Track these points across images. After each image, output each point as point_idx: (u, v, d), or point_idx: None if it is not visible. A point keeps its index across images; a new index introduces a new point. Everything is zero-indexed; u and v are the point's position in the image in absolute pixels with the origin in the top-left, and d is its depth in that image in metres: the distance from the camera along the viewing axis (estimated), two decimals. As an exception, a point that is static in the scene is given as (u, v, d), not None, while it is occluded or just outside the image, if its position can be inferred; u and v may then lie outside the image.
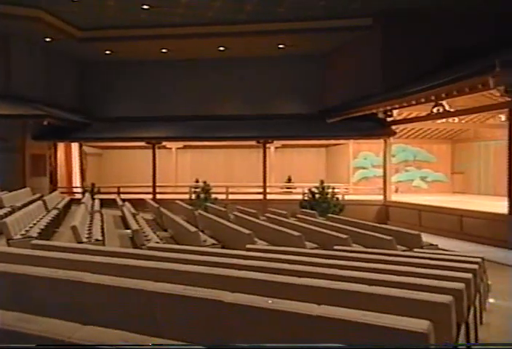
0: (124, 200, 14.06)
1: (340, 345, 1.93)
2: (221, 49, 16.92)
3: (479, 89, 10.02)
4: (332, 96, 18.89)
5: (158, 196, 16.21)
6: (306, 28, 15.08)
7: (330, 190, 14.29)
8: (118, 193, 16.73)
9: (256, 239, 7.70)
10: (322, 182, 14.55)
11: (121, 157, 19.72)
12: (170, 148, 18.81)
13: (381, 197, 15.18)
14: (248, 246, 6.00)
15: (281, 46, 16.57)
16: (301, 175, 18.20)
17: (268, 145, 16.74)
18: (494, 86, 9.41)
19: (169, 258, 4.35)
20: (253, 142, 16.62)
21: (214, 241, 7.82)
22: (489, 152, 15.93)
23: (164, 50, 17.18)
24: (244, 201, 15.35)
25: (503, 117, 12.55)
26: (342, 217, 11.19)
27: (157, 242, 6.92)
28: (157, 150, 16.76)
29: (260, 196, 16.13)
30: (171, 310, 2.53)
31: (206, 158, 19.25)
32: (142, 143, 16.84)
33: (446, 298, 2.73)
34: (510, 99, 9.94)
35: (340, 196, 14.69)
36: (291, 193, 17.65)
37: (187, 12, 14.06)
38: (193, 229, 7.59)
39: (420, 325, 2.02)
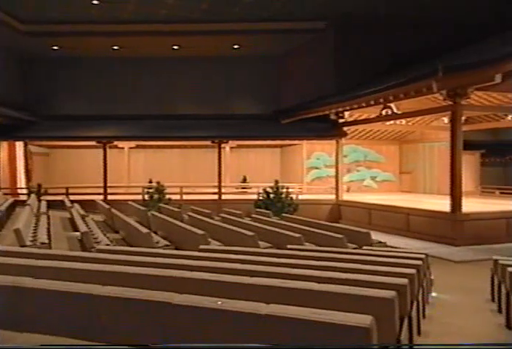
0: (72, 201, 13.57)
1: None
2: (175, 47, 16.72)
3: (424, 93, 10.49)
4: (286, 97, 19.15)
5: (110, 197, 15.76)
6: (261, 29, 15.21)
7: (284, 190, 14.46)
8: (67, 194, 16.12)
9: (210, 240, 7.67)
10: (277, 182, 14.70)
11: (69, 157, 19.00)
12: (122, 148, 18.34)
13: (333, 196, 15.56)
14: (201, 246, 5.96)
15: (236, 46, 16.61)
16: (256, 175, 18.32)
17: (223, 145, 16.71)
18: (438, 90, 9.91)
19: (119, 260, 4.25)
20: (208, 142, 16.54)
21: (167, 242, 7.71)
22: (434, 153, 16.73)
23: (115, 47, 16.74)
24: (198, 201, 15.24)
25: (446, 119, 13.22)
26: (295, 217, 11.36)
27: (107, 244, 6.74)
28: (108, 150, 16.29)
29: (215, 196, 16.08)
30: (118, 314, 2.47)
31: (160, 158, 18.93)
32: (93, 142, 16.31)
33: (389, 293, 2.84)
34: (452, 102, 10.51)
35: (294, 196, 14.90)
36: (246, 193, 17.71)
37: (139, 9, 13.79)
38: (145, 230, 7.45)
39: (363, 320, 2.09)
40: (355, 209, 14.42)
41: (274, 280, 3.12)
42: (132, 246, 7.42)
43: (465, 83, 9.77)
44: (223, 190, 16.46)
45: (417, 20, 14.82)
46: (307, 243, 7.67)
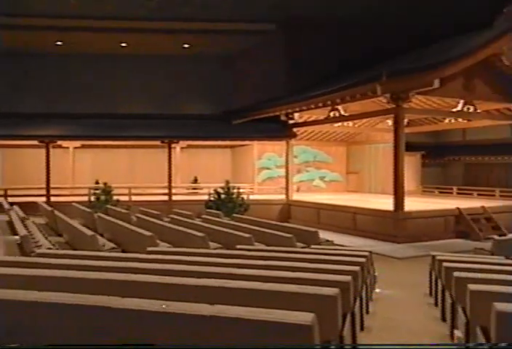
0: (11, 203, 12.85)
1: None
2: (123, 45, 16.30)
3: (369, 96, 10.91)
4: (238, 97, 19.22)
5: (53, 199, 15.08)
6: (211, 29, 15.18)
7: (235, 191, 14.49)
8: (6, 195, 15.24)
9: (158, 241, 7.53)
10: (228, 182, 14.69)
11: (9, 156, 17.98)
12: (67, 147, 17.60)
13: (284, 196, 15.78)
14: (149, 248, 5.85)
15: (186, 45, 16.45)
16: (207, 176, 18.20)
17: (173, 146, 16.47)
18: (382, 93, 10.33)
19: (60, 265, 4.08)
20: (158, 142, 16.24)
21: (113, 245, 7.49)
22: (379, 154, 17.40)
23: (58, 43, 16.06)
24: (148, 202, 14.94)
25: (390, 122, 13.78)
26: (246, 217, 11.41)
27: (49, 248, 6.44)
28: (52, 150, 15.59)
29: (165, 197, 15.82)
30: (56, 320, 2.38)
31: (108, 158, 18.34)
32: (35, 142, 15.54)
33: (332, 291, 2.92)
34: (395, 105, 10.98)
35: (245, 196, 14.95)
36: (197, 193, 17.56)
37: (83, 4, 13.31)
38: (90, 233, 7.20)
39: (305, 318, 2.14)
40: (304, 209, 14.70)
41: (220, 280, 3.12)
42: (76, 250, 7.14)
43: (406, 88, 10.25)
44: (173, 191, 16.23)
45: (366, 25, 15.38)
46: (257, 243, 7.73)
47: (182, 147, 18.01)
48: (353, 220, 12.45)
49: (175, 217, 11.15)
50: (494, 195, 14.61)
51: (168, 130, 15.78)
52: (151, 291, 3.02)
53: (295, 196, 15.82)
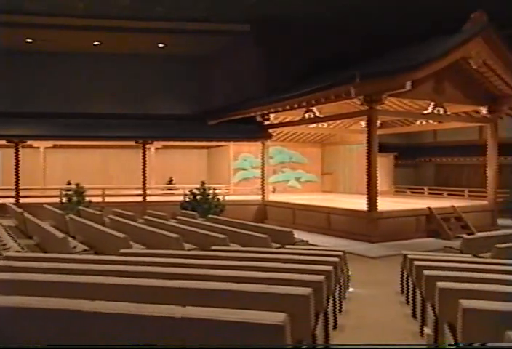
0: (-21, 205, 12.44)
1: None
2: (96, 43, 16.01)
3: (343, 98, 11.05)
4: (214, 98, 19.16)
5: (23, 200, 14.67)
6: (186, 29, 15.08)
7: (211, 191, 14.43)
8: (-28, 197, 14.73)
9: (132, 243, 7.44)
10: (203, 183, 14.62)
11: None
12: (37, 148, 17.15)
13: (260, 197, 15.81)
14: (122, 250, 5.76)
15: (161, 45, 16.30)
16: (183, 176, 18.06)
17: (147, 146, 16.27)
18: (355, 95, 10.49)
19: (29, 268, 3.98)
20: (132, 143, 16.01)
21: (85, 247, 7.35)
22: (353, 155, 17.65)
23: (28, 40, 15.65)
24: (122, 203, 14.70)
25: (364, 123, 14.00)
26: (222, 218, 11.39)
27: (17, 251, 6.26)
28: (21, 150, 15.16)
29: (140, 198, 15.62)
30: (23, 326, 2.32)
31: (81, 158, 17.97)
32: (3, 142, 15.08)
33: (305, 290, 2.95)
34: (368, 107, 11.16)
35: (220, 197, 14.91)
36: (172, 194, 17.40)
37: (54, 1, 13.01)
38: (61, 235, 7.04)
39: (277, 318, 2.15)
40: (280, 209, 14.77)
41: (193, 282, 3.11)
42: (46, 253, 6.97)
43: (379, 90, 10.43)
44: (148, 192, 16.03)
45: (342, 26, 15.57)
46: (232, 244, 7.71)
47: (157, 148, 17.82)
48: (327, 220, 12.58)
49: (150, 218, 11.02)
50: (463, 195, 15.03)
51: (142, 130, 15.59)
52: (123, 293, 2.98)
53: (271, 197, 15.87)
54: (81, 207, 12.94)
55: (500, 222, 13.38)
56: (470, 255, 6.50)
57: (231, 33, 15.65)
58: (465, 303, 2.74)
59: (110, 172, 17.89)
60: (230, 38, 16.27)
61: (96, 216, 10.99)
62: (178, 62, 17.85)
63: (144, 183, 15.65)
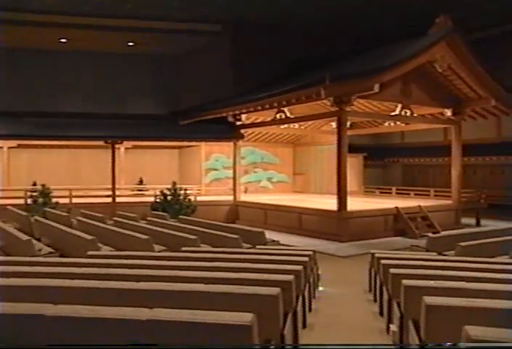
0: None
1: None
2: (62, 40, 15.59)
3: (314, 99, 11.17)
4: (185, 98, 19.01)
5: (-15, 202, 14.13)
6: (156, 28, 14.90)
7: (182, 192, 14.30)
8: None
9: (101, 245, 7.28)
10: (174, 183, 14.47)
11: None
12: (1, 147, 16.57)
13: (231, 197, 15.79)
14: (89, 252, 5.64)
15: (131, 43, 16.03)
16: (153, 177, 17.83)
17: (117, 146, 15.97)
18: (325, 96, 10.62)
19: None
20: (101, 143, 15.69)
21: (51, 250, 7.15)
22: (324, 155, 17.87)
23: (-8, 36, 15.10)
24: (90, 204, 14.37)
25: (334, 124, 14.19)
26: (193, 218, 11.30)
27: (-21, 255, 6.04)
28: (-16, 149, 14.62)
29: (109, 199, 15.32)
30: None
31: (47, 159, 17.47)
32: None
33: (273, 290, 2.97)
34: (338, 108, 11.34)
35: (192, 197, 14.81)
36: (142, 195, 17.15)
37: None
38: (25, 237, 6.82)
39: (244, 318, 2.16)
40: (251, 210, 14.80)
41: (162, 283, 3.08)
42: (9, 256, 6.74)
43: (348, 92, 10.61)
44: (118, 193, 15.74)
45: (313, 28, 15.73)
46: (203, 245, 7.67)
47: (126, 148, 17.52)
48: (298, 220, 12.69)
49: (119, 219, 10.82)
50: (429, 195, 15.46)
51: (111, 130, 15.29)
52: (89, 296, 2.92)
53: (243, 197, 15.88)
54: (47, 209, 12.58)
55: (464, 220, 13.85)
56: (435, 253, 6.69)
57: (203, 33, 15.56)
58: (428, 300, 2.83)
59: (79, 173, 17.48)
60: (202, 38, 16.18)
61: (63, 217, 10.71)
62: (149, 61, 17.62)
63: (113, 184, 15.36)
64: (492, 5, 14.84)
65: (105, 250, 7.21)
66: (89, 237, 7.03)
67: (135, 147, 17.32)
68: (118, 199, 15.43)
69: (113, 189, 15.35)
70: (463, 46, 11.35)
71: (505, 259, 5.89)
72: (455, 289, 3.40)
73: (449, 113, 13.30)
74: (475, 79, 11.96)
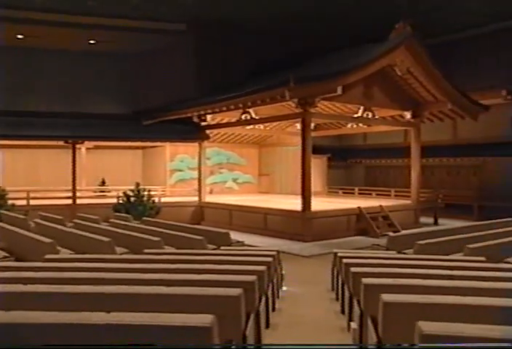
0: None
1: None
2: (20, 37, 15.01)
3: (278, 100, 11.27)
4: (149, 97, 18.70)
5: None
6: (118, 26, 14.57)
7: (146, 193, 14.08)
8: None
9: (60, 248, 7.06)
10: (138, 184, 14.22)
11: None
12: (-48, 147, 15.77)
13: (196, 198, 15.68)
14: (47, 256, 5.46)
15: (92, 41, 15.62)
16: (116, 178, 17.44)
17: (78, 146, 15.53)
18: (290, 98, 10.73)
19: None
20: (61, 143, 15.20)
21: (5, 254, 6.87)
22: (289, 156, 18.05)
23: None
24: (49, 206, 13.89)
25: (298, 126, 14.36)
26: (157, 220, 11.14)
27: None
28: None
29: (69, 201, 14.87)
30: None
31: (4, 159, 16.76)
32: None
33: (235, 291, 2.98)
34: (302, 110, 11.48)
35: (156, 199, 14.60)
36: (105, 196, 16.75)
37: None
38: (-23, 242, 6.52)
39: (204, 320, 2.15)
40: (217, 211, 14.75)
41: (121, 286, 3.03)
42: (-39, 261, 6.42)
43: (312, 93, 10.76)
44: (79, 194, 15.31)
45: (280, 30, 15.83)
46: (167, 247, 7.58)
47: (88, 148, 17.06)
48: (263, 221, 12.76)
49: (80, 221, 10.52)
50: (390, 195, 15.90)
51: (72, 130, 14.85)
52: (44, 301, 2.83)
53: (208, 198, 15.80)
54: (2, 211, 12.07)
55: (422, 220, 14.34)
56: (394, 252, 6.89)
57: (167, 31, 15.36)
58: (386, 297, 2.91)
59: (38, 174, 16.87)
60: (166, 37, 15.97)
61: (19, 220, 10.30)
62: (111, 59, 17.23)
63: (74, 185, 14.93)
64: (446, 14, 15.48)
65: (64, 253, 7.00)
66: (47, 240, 6.81)
67: (97, 147, 16.90)
68: (79, 201, 15.02)
69: (74, 190, 14.93)
70: (421, 51, 11.76)
71: (459, 256, 6.14)
72: (412, 286, 3.51)
73: (408, 115, 13.74)
74: (432, 83, 12.41)
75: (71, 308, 2.40)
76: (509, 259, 6.10)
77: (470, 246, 6.18)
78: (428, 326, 2.13)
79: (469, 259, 5.53)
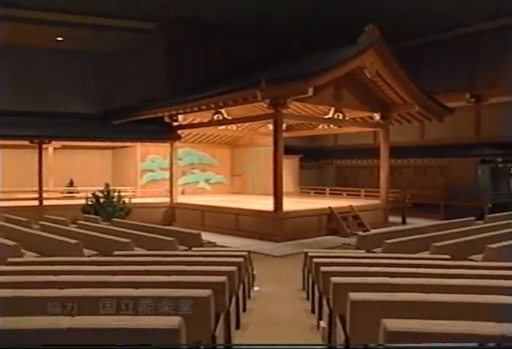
0: None
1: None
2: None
3: (250, 101, 11.28)
4: (119, 97, 18.39)
5: None
6: (87, 23, 14.23)
7: (116, 194, 13.82)
8: None
9: (24, 251, 6.86)
10: (107, 185, 13.94)
11: None
12: None
13: (168, 199, 15.51)
14: (10, 259, 5.28)
15: (59, 38, 15.21)
16: (85, 178, 17.04)
17: (44, 146, 15.09)
18: (262, 99, 10.77)
19: None
20: (26, 142, 14.74)
21: (-33, 258, 6.59)
22: (261, 157, 18.08)
23: None
24: (15, 208, 13.45)
25: (271, 126, 14.42)
26: (127, 221, 10.96)
27: None
28: None
29: (36, 202, 14.43)
30: None
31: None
32: None
33: (204, 292, 2.97)
34: (274, 111, 11.54)
35: (127, 199, 14.35)
36: (73, 197, 16.34)
37: None
38: None
39: (171, 322, 2.13)
40: (188, 211, 14.64)
41: (88, 290, 2.96)
42: None
43: (284, 94, 10.83)
44: (46, 195, 14.88)
45: (254, 30, 15.84)
46: (137, 248, 7.48)
47: (55, 148, 16.60)
48: (235, 221, 12.74)
49: (46, 223, 10.23)
50: (360, 195, 16.18)
51: (38, 129, 14.41)
52: (5, 306, 2.73)
53: (180, 199, 15.65)
54: (-36, 213, 11.60)
55: (391, 219, 14.66)
56: (364, 251, 7.01)
57: (137, 30, 15.11)
58: (353, 296, 2.96)
59: (2, 174, 16.28)
60: (136, 36, 15.73)
61: (-18, 223, 9.93)
62: (80, 57, 16.83)
63: (40, 186, 14.51)
64: (411, 19, 15.91)
65: (29, 256, 6.79)
66: (11, 243, 6.60)
67: (65, 147, 16.46)
68: (45, 202, 14.60)
69: (40, 191, 14.50)
70: (389, 54, 12.02)
71: (425, 254, 6.31)
72: (379, 284, 3.59)
73: (377, 117, 14.02)
74: (400, 85, 12.71)
75: (35, 313, 2.34)
76: (472, 257, 6.31)
77: (436, 244, 6.36)
78: (392, 324, 2.18)
79: (434, 257, 5.69)
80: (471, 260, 6.10)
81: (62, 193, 16.82)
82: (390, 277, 3.87)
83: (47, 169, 15.56)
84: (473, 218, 10.04)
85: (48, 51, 16.28)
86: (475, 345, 2.25)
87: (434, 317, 2.61)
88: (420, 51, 18.21)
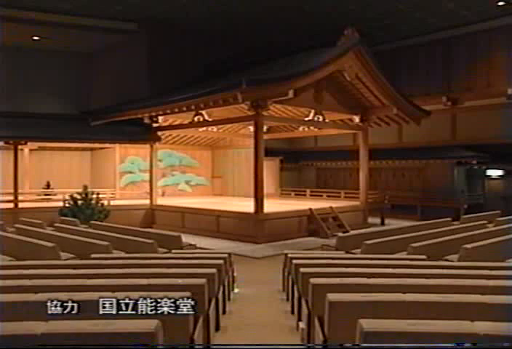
0: None
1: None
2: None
3: (231, 103, 11.26)
4: (98, 97, 18.14)
5: None
6: (64, 22, 14.01)
7: (95, 196, 13.62)
8: None
9: (-2, 255, 6.70)
10: (86, 187, 13.73)
11: None
12: None
13: (148, 201, 15.36)
14: (-17, 264, 5.16)
15: (36, 38, 14.92)
16: (62, 180, 16.75)
17: (20, 147, 14.76)
18: (242, 100, 10.77)
19: None
20: (1, 143, 14.39)
21: None
22: (241, 158, 18.09)
23: None
24: (-12, 211, 13.11)
25: (252, 128, 14.44)
26: (106, 224, 10.82)
27: None
28: None
29: (11, 205, 14.10)
30: None
31: None
32: None
33: (183, 295, 2.95)
34: (255, 113, 11.56)
35: (105, 202, 14.15)
36: (50, 200, 16.02)
37: None
38: None
39: (148, 325, 2.12)
40: (169, 213, 14.52)
41: (65, 294, 2.91)
42: None
43: (264, 96, 10.86)
44: (21, 198, 14.55)
45: (234, 32, 15.83)
46: (116, 251, 7.38)
47: (31, 149, 16.27)
48: (216, 223, 12.70)
49: (22, 226, 10.01)
50: (339, 197, 16.33)
51: (13, 130, 14.09)
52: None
53: (160, 201, 15.51)
54: None
55: (370, 220, 14.84)
56: (343, 252, 7.09)
57: (116, 30, 14.95)
58: (331, 297, 2.99)
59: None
60: (116, 36, 15.55)
61: (-46, 226, 9.64)
62: (58, 57, 16.55)
63: (15, 188, 14.18)
64: (389, 22, 16.17)
65: (4, 260, 6.63)
66: (-15, 247, 6.42)
67: (41, 148, 16.16)
68: (21, 205, 14.27)
69: (16, 194, 14.18)
70: (368, 57, 12.19)
71: (403, 255, 6.41)
72: (357, 285, 3.63)
73: (357, 119, 14.19)
74: (379, 88, 12.89)
75: (8, 319, 2.29)
76: (448, 257, 6.45)
77: (413, 245, 6.47)
78: (368, 324, 2.21)
79: (411, 257, 5.79)
80: (447, 260, 6.23)
81: (39, 195, 16.48)
82: (368, 277, 3.92)
83: (23, 170, 15.24)
84: (449, 219, 10.25)
85: (24, 50, 15.95)
86: (451, 344, 2.30)
87: (410, 317, 2.65)
88: (398, 54, 18.52)
